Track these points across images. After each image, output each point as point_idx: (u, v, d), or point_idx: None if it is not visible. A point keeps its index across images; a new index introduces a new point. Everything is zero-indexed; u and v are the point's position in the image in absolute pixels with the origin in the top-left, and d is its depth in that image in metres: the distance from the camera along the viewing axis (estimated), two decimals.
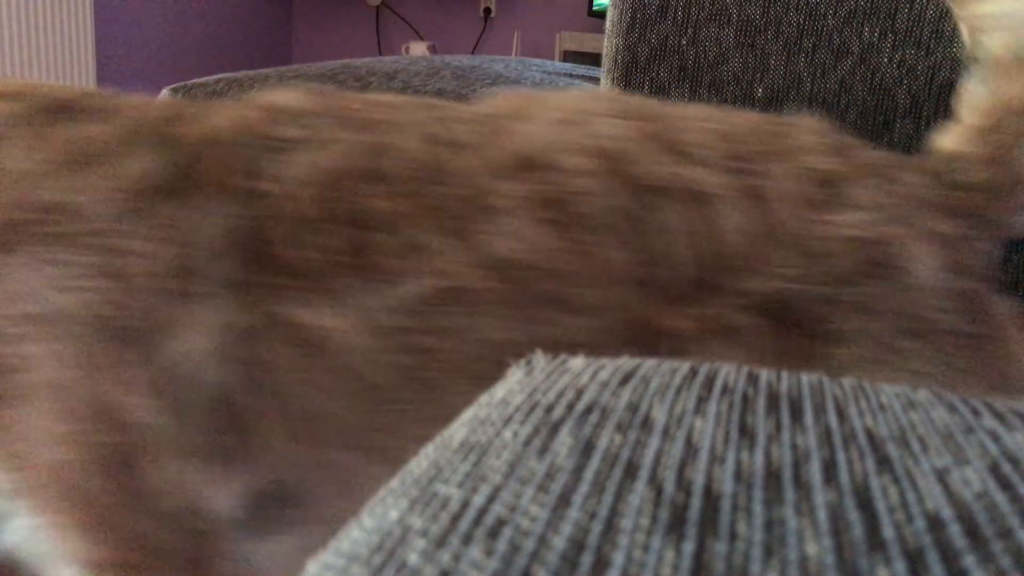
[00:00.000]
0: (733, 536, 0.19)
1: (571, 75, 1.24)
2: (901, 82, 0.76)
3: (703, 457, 0.23)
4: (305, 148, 0.50)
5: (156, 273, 0.46)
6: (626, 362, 0.30)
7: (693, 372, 0.29)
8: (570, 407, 0.26)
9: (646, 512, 0.20)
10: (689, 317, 0.49)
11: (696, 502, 0.21)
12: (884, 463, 0.23)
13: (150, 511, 0.47)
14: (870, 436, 0.24)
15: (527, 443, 0.24)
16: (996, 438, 0.24)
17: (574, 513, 0.20)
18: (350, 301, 0.47)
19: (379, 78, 1.05)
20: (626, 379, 0.28)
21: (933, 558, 0.18)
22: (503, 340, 0.48)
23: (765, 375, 0.29)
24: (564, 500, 0.21)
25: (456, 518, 0.20)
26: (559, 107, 0.54)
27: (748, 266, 0.49)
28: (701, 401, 0.27)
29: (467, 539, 0.19)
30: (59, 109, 0.50)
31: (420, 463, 0.25)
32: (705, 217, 0.49)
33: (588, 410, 0.26)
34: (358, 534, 0.21)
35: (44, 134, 0.48)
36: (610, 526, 0.20)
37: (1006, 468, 0.22)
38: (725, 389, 0.28)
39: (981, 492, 0.21)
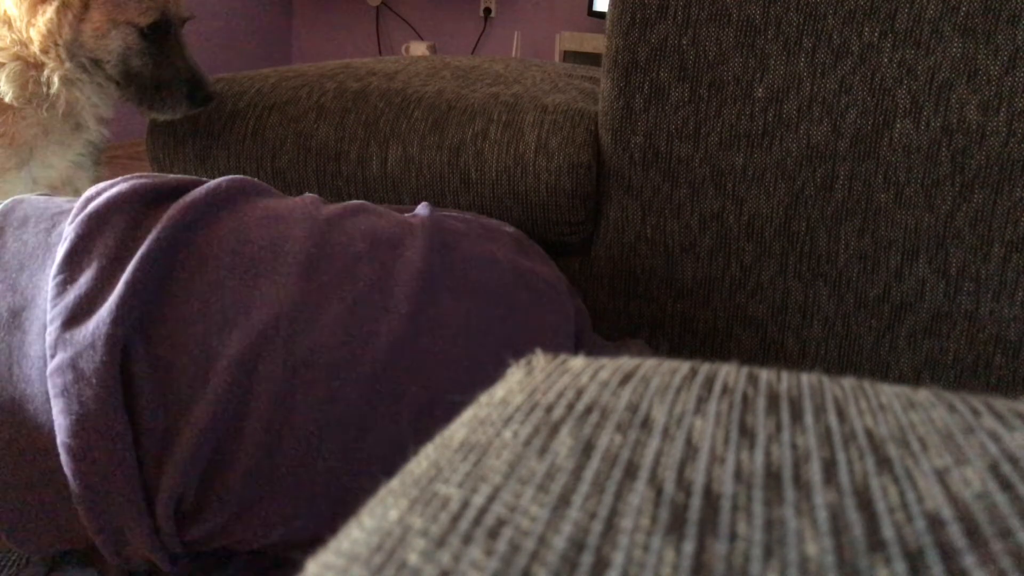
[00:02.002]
0: (733, 536, 0.19)
1: (571, 75, 1.24)
2: (901, 82, 0.76)
3: (703, 457, 0.23)
4: None
5: None
6: (626, 362, 0.30)
7: (693, 372, 0.29)
8: (570, 407, 0.26)
9: (646, 512, 0.20)
10: None
11: (696, 502, 0.21)
12: (884, 463, 0.23)
13: None
14: (870, 436, 0.24)
15: (527, 443, 0.24)
16: (996, 438, 0.24)
17: (574, 513, 0.20)
18: None
19: (379, 78, 1.05)
20: (626, 379, 0.28)
21: (933, 558, 0.18)
22: None
23: (765, 375, 0.29)
24: (564, 500, 0.21)
25: (456, 518, 0.20)
26: None
27: None
28: (701, 401, 0.27)
29: (467, 539, 0.19)
30: None
31: (420, 463, 0.25)
32: None
33: (588, 410, 0.26)
34: (358, 534, 0.21)
35: None
36: (610, 526, 0.20)
37: (1006, 468, 0.22)
38: (725, 389, 0.28)
39: (981, 492, 0.21)
